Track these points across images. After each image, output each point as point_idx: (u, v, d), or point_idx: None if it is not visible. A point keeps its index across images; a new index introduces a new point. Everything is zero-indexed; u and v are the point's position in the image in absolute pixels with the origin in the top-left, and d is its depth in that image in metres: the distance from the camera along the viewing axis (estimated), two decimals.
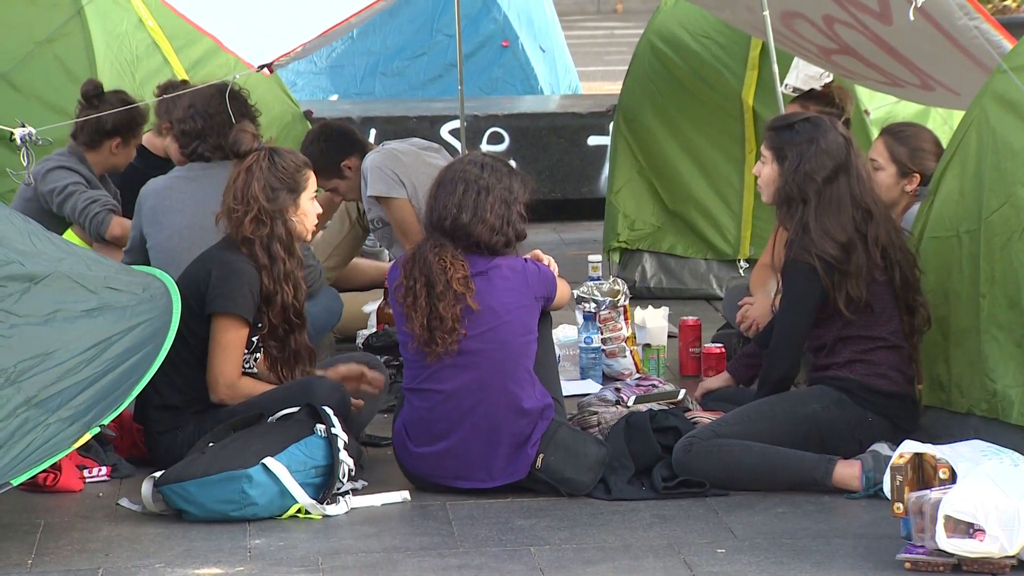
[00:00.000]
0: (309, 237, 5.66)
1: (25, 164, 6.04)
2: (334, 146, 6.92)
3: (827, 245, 5.34)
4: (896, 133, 6.11)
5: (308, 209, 5.58)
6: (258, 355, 5.61)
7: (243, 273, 5.46)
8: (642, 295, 7.92)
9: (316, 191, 5.67)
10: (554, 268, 5.48)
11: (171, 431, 5.51)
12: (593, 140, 10.00)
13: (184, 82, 7.19)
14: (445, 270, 5.25)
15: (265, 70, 6.33)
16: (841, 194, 5.39)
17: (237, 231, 5.50)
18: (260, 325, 5.53)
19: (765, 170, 5.51)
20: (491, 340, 5.27)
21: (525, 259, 5.40)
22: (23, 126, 6.03)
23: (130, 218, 6.49)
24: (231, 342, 5.44)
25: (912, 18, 5.70)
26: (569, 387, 6.21)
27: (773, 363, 5.50)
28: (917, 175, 6.05)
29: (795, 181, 5.40)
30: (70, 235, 6.79)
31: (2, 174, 7.57)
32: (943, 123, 7.61)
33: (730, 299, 6.89)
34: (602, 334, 6.67)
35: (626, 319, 6.73)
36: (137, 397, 5.24)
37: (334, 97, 11.62)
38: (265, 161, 5.53)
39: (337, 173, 6.92)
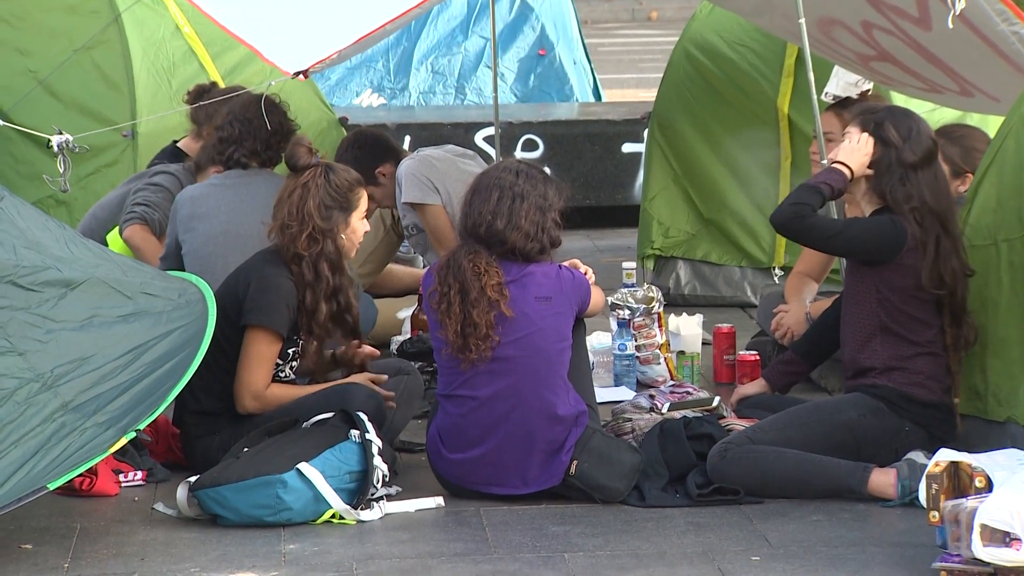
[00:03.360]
0: (353, 255, 5.66)
1: (62, 171, 6.07)
2: (368, 153, 6.93)
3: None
4: (948, 134, 6.13)
5: (357, 227, 5.59)
6: (295, 363, 5.62)
7: (280, 288, 5.47)
8: (676, 302, 7.91)
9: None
10: (591, 277, 5.47)
11: (207, 436, 5.53)
12: (628, 147, 10.00)
13: (214, 84, 7.20)
14: (479, 276, 5.25)
15: (300, 76, 6.34)
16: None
17: (290, 246, 5.49)
18: (297, 338, 5.55)
19: None
20: (525, 347, 5.27)
21: (559, 266, 5.40)
22: (60, 133, 6.06)
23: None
24: (261, 355, 5.45)
25: (951, 25, 5.68)
26: (603, 394, 6.21)
27: (808, 217, 5.40)
28: (970, 175, 6.04)
29: None
30: (115, 240, 6.81)
31: (36, 180, 7.62)
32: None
33: (765, 307, 6.88)
34: (636, 341, 6.66)
35: (660, 326, 6.72)
36: (175, 401, 5.26)
37: (367, 92, 11.64)
38: (321, 178, 5.52)
39: (372, 180, 6.93)
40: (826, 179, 5.45)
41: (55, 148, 6.09)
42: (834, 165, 5.48)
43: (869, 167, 5.45)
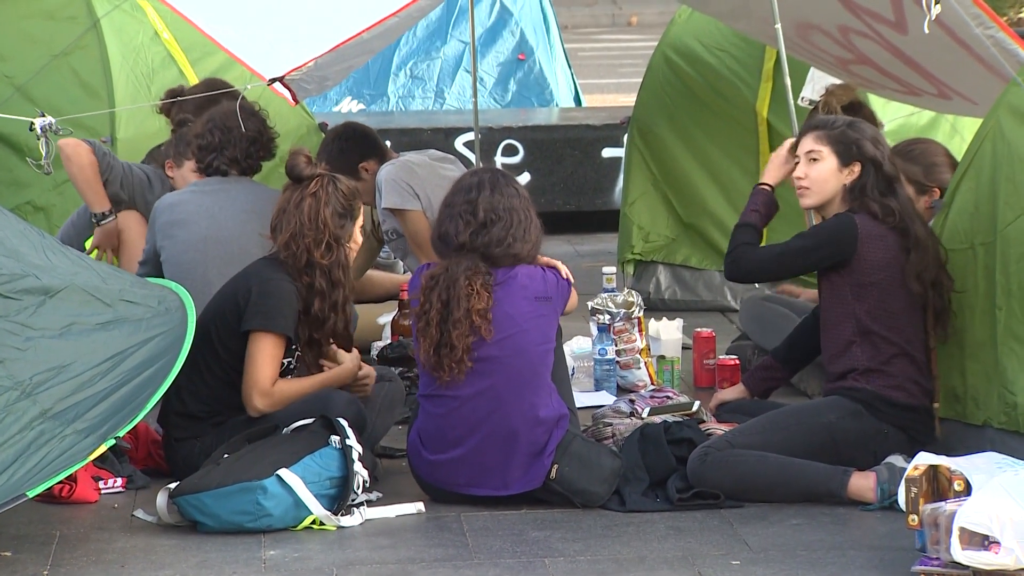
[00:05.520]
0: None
1: (44, 154, 6.08)
2: (354, 147, 6.92)
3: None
4: (905, 153, 6.12)
5: (358, 236, 5.61)
6: (289, 375, 5.61)
7: (283, 292, 5.47)
8: (656, 307, 7.92)
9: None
10: (564, 272, 5.47)
11: (189, 439, 5.52)
12: (607, 152, 10.01)
13: (182, 87, 7.18)
14: (469, 297, 5.23)
15: (277, 85, 6.35)
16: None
17: (303, 255, 5.48)
18: (294, 348, 5.54)
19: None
20: (509, 347, 5.27)
21: (543, 268, 5.40)
22: (42, 115, 6.07)
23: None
24: (267, 356, 5.43)
25: (927, 31, 5.71)
26: (583, 399, 6.21)
27: (746, 255, 5.53)
28: (936, 189, 6.06)
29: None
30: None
31: (13, 185, 7.61)
32: (953, 133, 7.62)
33: (745, 311, 6.89)
34: (616, 346, 6.67)
35: (640, 331, 6.73)
36: (161, 401, 5.25)
37: (347, 99, 11.64)
38: (330, 187, 5.53)
39: (354, 174, 6.90)
40: (752, 207, 5.61)
41: (38, 131, 6.11)
42: (758, 187, 5.64)
43: (850, 186, 5.48)
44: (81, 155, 6.64)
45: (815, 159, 5.53)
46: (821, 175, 5.52)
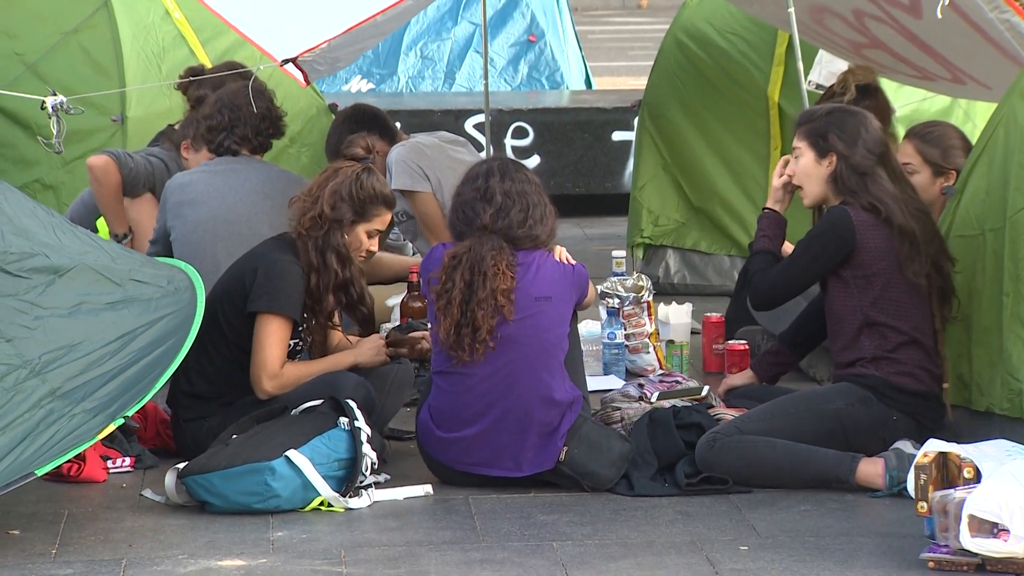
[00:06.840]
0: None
1: (56, 133, 6.07)
2: (362, 127, 6.91)
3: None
4: (924, 135, 6.11)
5: (362, 239, 5.53)
6: (298, 357, 5.60)
7: (289, 273, 5.46)
8: (666, 291, 7.92)
9: (381, 232, 5.59)
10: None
11: (197, 420, 5.53)
12: (618, 135, 10.00)
13: (203, 66, 7.17)
14: (496, 276, 5.22)
15: (290, 66, 6.34)
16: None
17: (298, 222, 5.50)
18: (301, 329, 5.54)
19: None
20: (528, 327, 5.26)
21: (558, 262, 5.39)
22: (54, 94, 6.06)
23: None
24: (274, 338, 5.43)
25: (940, 15, 5.69)
26: (592, 383, 6.19)
27: (758, 282, 5.54)
28: (953, 172, 6.05)
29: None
30: (104, 226, 6.82)
31: (21, 163, 7.61)
32: (966, 119, 7.60)
33: None
34: (625, 330, 6.66)
35: (650, 315, 6.73)
36: (169, 381, 5.25)
37: (356, 78, 11.63)
38: (354, 174, 5.52)
39: None
40: (762, 233, 5.60)
41: (49, 110, 6.10)
42: (763, 211, 5.64)
43: (830, 178, 5.46)
44: (110, 176, 6.63)
45: (798, 156, 5.55)
46: (803, 170, 5.53)
